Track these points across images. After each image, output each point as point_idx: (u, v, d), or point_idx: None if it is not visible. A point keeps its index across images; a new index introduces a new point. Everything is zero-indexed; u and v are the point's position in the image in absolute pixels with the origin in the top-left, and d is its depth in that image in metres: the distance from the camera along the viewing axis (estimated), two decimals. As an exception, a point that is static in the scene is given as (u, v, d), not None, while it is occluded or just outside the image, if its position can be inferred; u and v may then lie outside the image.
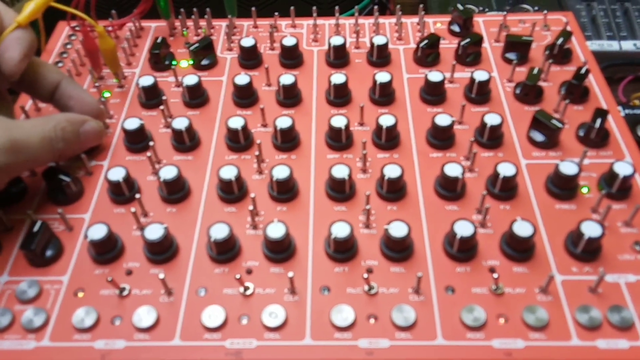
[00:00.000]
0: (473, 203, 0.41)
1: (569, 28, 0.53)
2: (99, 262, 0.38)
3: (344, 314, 0.35)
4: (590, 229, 0.36)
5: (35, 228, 0.38)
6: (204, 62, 0.52)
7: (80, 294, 0.37)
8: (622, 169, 0.40)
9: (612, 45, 0.59)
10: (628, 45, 0.59)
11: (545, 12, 0.54)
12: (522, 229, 0.37)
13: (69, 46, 0.55)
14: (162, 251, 0.38)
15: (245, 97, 0.48)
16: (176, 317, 0.35)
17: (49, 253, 0.38)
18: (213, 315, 0.35)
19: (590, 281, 0.36)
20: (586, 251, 0.37)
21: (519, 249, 0.37)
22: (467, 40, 0.50)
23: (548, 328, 0.34)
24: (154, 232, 0.37)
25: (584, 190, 0.41)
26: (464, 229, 0.37)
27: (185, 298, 0.36)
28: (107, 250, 0.38)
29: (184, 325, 0.35)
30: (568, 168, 0.40)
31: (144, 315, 0.35)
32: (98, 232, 0.37)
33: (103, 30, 0.47)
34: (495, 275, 0.35)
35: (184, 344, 0.34)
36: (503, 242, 0.38)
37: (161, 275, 0.36)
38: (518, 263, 0.37)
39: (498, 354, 0.33)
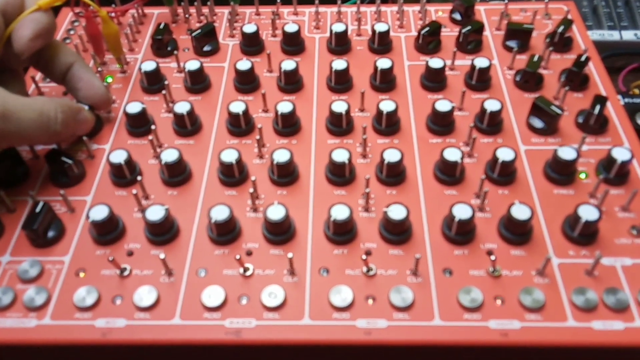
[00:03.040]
0: (472, 188, 0.41)
1: (569, 17, 0.53)
2: (100, 243, 0.39)
3: (342, 295, 0.35)
4: (588, 213, 0.37)
5: (38, 209, 0.38)
6: (206, 48, 0.52)
7: (82, 274, 0.37)
8: (620, 154, 0.40)
9: (613, 35, 0.59)
10: (629, 35, 0.59)
11: (546, 0, 0.54)
12: (520, 212, 0.37)
13: (71, 32, 0.55)
14: (163, 232, 0.38)
15: (246, 82, 0.48)
16: (176, 296, 0.36)
17: (50, 234, 0.39)
18: (213, 295, 0.35)
19: (587, 264, 0.36)
20: (583, 235, 0.37)
21: (517, 232, 0.37)
22: (468, 28, 0.51)
23: (544, 309, 0.34)
24: (155, 213, 0.38)
25: (582, 176, 0.42)
26: (462, 212, 0.37)
27: (186, 278, 0.37)
28: (108, 231, 0.38)
29: (184, 305, 0.35)
30: (567, 153, 0.40)
31: (145, 295, 0.36)
32: (100, 213, 0.38)
33: (106, 15, 0.47)
34: (492, 257, 0.36)
35: (184, 323, 0.35)
36: (501, 225, 0.38)
37: (162, 256, 0.36)
38: (516, 246, 0.38)
39: (494, 335, 0.34)
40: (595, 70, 0.49)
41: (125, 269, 0.37)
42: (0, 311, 0.35)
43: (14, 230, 0.40)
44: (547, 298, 0.35)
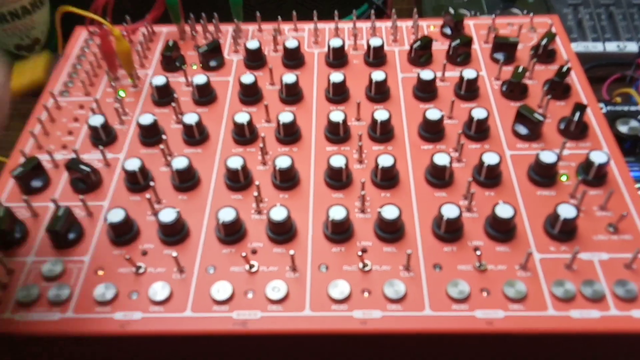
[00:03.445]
0: (460, 190, 0.44)
1: (553, 30, 0.57)
2: (117, 244, 0.42)
3: (340, 288, 0.38)
4: (566, 211, 0.40)
5: (60, 213, 0.42)
6: (212, 63, 0.55)
7: (100, 272, 0.40)
8: (598, 157, 0.43)
9: (597, 47, 0.63)
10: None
11: (531, 15, 0.58)
12: (504, 211, 0.40)
13: (86, 49, 0.59)
14: (175, 233, 0.41)
15: (250, 95, 0.52)
16: (188, 291, 0.39)
17: (71, 236, 0.42)
18: (221, 290, 0.39)
19: (566, 259, 0.39)
20: (563, 232, 0.40)
21: (501, 230, 0.40)
22: (458, 41, 0.54)
23: (526, 300, 0.37)
24: (168, 215, 0.41)
25: (563, 178, 0.45)
26: (450, 212, 0.40)
27: (196, 275, 0.40)
28: (124, 233, 0.42)
29: (194, 299, 0.38)
30: (547, 157, 0.43)
31: (159, 290, 0.39)
32: (116, 215, 0.41)
33: (120, 34, 0.51)
34: (478, 253, 0.39)
35: (195, 315, 0.38)
36: (487, 224, 0.41)
37: (174, 254, 0.39)
38: (500, 243, 0.41)
39: (480, 323, 0.36)
40: (577, 80, 0.52)
41: (140, 267, 0.40)
42: (26, 306, 0.38)
43: (37, 234, 0.43)
44: (529, 289, 0.38)
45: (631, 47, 0.62)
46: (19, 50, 0.65)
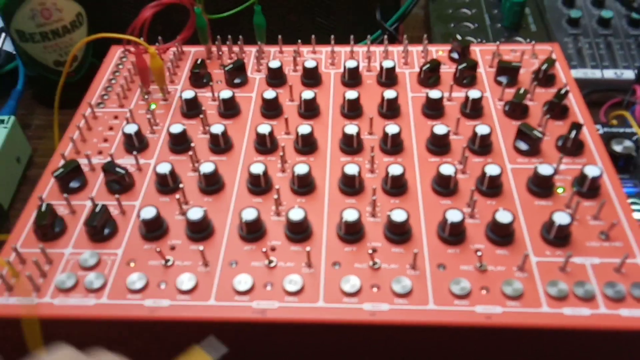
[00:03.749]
0: (464, 199, 0.48)
1: (553, 56, 0.61)
2: (147, 239, 0.46)
3: (351, 283, 0.42)
4: (561, 218, 0.43)
5: (97, 209, 0.46)
6: (237, 80, 0.60)
7: (132, 264, 0.44)
8: (591, 171, 0.47)
9: (595, 73, 0.67)
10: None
11: (533, 42, 0.62)
12: (503, 216, 0.44)
13: (120, 66, 0.64)
14: (201, 230, 0.45)
15: (271, 109, 0.56)
16: (212, 282, 0.43)
17: (106, 231, 0.46)
18: (243, 282, 0.42)
19: (561, 262, 0.43)
20: (557, 237, 0.44)
21: (501, 235, 0.44)
22: (464, 65, 0.58)
23: (522, 297, 0.41)
24: (195, 213, 0.45)
25: (560, 190, 0.48)
26: (454, 216, 0.44)
27: (220, 268, 0.44)
28: (155, 229, 0.45)
29: (218, 289, 0.42)
30: (545, 169, 0.47)
31: (186, 281, 0.42)
32: (149, 213, 0.45)
33: (154, 52, 0.56)
34: (479, 254, 0.42)
35: (218, 303, 0.41)
36: (488, 229, 0.45)
37: (201, 247, 0.43)
38: (500, 247, 0.44)
39: (480, 317, 0.40)
40: (575, 102, 0.56)
41: (168, 260, 0.44)
42: (64, 292, 0.42)
43: (75, 228, 0.47)
44: (525, 288, 0.41)
45: (628, 74, 0.66)
46: (57, 66, 0.70)
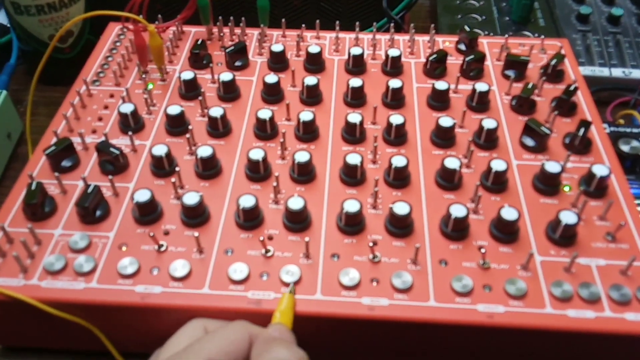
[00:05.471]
0: (468, 194, 0.47)
1: (562, 52, 0.60)
2: (141, 223, 0.44)
3: (350, 275, 0.40)
4: (567, 217, 0.42)
5: (89, 189, 0.44)
6: (237, 63, 0.58)
7: (124, 248, 0.43)
8: (600, 170, 0.45)
9: (603, 72, 0.65)
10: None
11: (542, 37, 0.61)
12: (509, 213, 0.42)
13: (118, 43, 0.62)
14: (197, 216, 0.44)
15: (273, 94, 0.54)
16: (206, 270, 0.41)
17: (98, 213, 0.44)
18: (238, 270, 0.41)
19: (566, 262, 0.42)
20: (563, 237, 0.42)
21: (505, 232, 0.43)
22: (471, 57, 0.57)
23: (526, 297, 0.40)
24: (191, 198, 0.43)
25: (566, 188, 0.47)
26: (458, 211, 0.42)
27: (215, 256, 0.42)
28: (149, 212, 0.44)
29: (212, 277, 0.41)
30: (552, 167, 0.46)
31: (179, 267, 0.41)
32: (143, 195, 0.43)
33: (154, 29, 0.54)
34: (482, 250, 0.41)
35: (212, 292, 0.40)
36: (492, 226, 0.44)
37: (196, 234, 0.42)
38: (504, 244, 0.43)
39: (481, 316, 0.39)
40: (583, 99, 0.55)
41: (162, 245, 0.43)
42: (53, 274, 0.41)
43: (65, 209, 0.45)
44: (529, 288, 0.40)
45: (636, 73, 0.65)
46: (52, 41, 0.68)
